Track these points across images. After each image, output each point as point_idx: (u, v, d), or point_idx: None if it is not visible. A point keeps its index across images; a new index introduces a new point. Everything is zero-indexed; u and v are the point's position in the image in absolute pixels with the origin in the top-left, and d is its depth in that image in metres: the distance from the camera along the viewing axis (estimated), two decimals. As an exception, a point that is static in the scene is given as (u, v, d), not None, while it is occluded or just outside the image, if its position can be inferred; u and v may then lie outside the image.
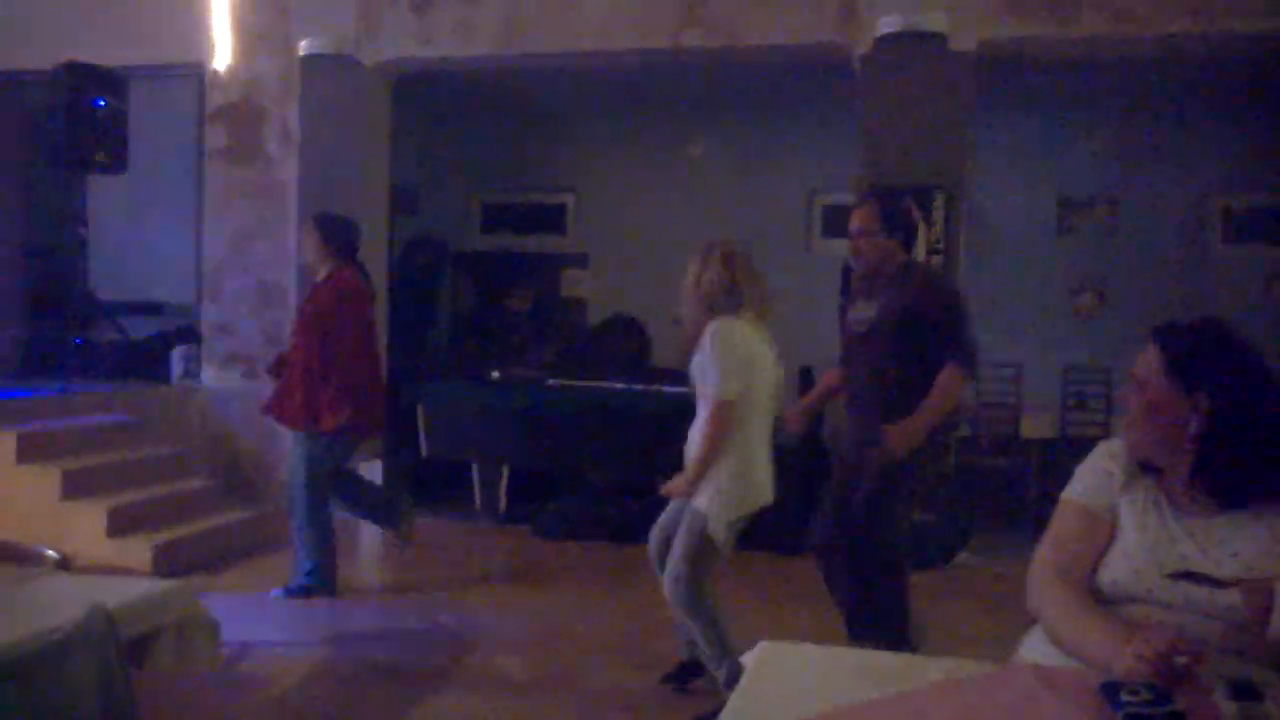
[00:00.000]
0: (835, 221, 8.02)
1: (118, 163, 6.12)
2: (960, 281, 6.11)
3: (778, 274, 8.59)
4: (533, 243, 8.93)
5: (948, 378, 3.39)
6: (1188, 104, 7.30)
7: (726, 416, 3.26)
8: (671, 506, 3.51)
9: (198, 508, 5.54)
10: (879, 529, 3.49)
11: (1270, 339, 7.58)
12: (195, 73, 6.71)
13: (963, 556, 5.70)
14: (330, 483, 4.61)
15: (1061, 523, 1.92)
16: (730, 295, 3.36)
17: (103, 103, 5.95)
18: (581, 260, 8.89)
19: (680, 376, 7.25)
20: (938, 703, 1.45)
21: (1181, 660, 1.45)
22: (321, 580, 4.59)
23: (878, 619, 3.52)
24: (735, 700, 1.49)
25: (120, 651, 1.56)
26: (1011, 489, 6.84)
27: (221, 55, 6.52)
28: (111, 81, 6.08)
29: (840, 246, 6.24)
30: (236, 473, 6.47)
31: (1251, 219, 7.78)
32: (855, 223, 3.71)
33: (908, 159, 5.74)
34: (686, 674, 3.55)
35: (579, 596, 4.90)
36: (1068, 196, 7.97)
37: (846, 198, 6.08)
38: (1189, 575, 1.69)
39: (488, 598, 4.86)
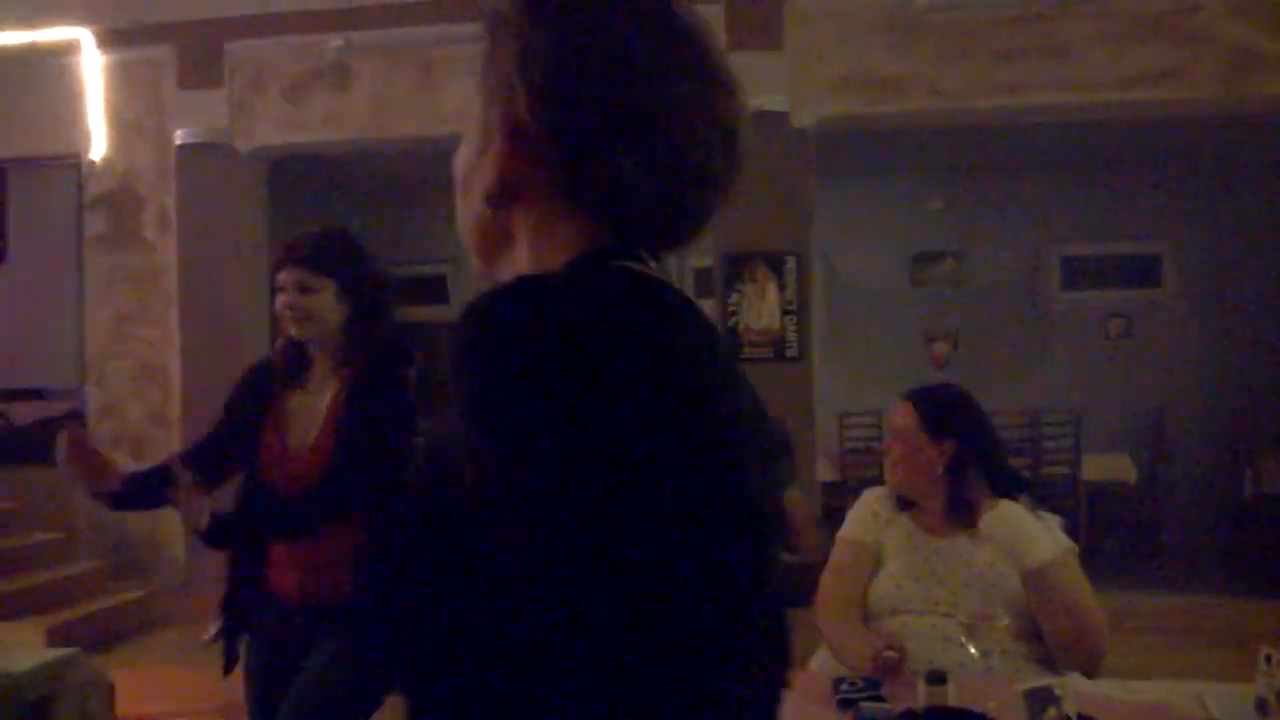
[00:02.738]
0: (706, 283, 8.46)
1: (-4, 253, 6.20)
2: (816, 336, 6.59)
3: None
4: (414, 313, 9.15)
5: None
6: (1017, 164, 7.99)
7: None
8: None
9: (87, 589, 5.60)
10: None
11: (1104, 374, 8.21)
12: (73, 163, 6.83)
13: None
14: None
15: (837, 556, 2.32)
16: None
17: (-21, 196, 6.04)
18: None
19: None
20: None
21: (890, 654, 1.81)
22: None
23: None
24: None
25: (23, 711, 1.77)
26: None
27: (98, 146, 6.67)
28: (-12, 175, 6.18)
29: (710, 306, 6.67)
30: (125, 553, 6.49)
31: (1085, 266, 8.49)
32: None
33: (758, 227, 6.19)
34: None
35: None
36: (919, 252, 8.58)
37: (710, 260, 6.53)
38: None
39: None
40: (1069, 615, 2.00)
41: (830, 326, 7.74)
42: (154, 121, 6.67)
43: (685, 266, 8.78)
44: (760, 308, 6.12)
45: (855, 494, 7.42)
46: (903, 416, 2.27)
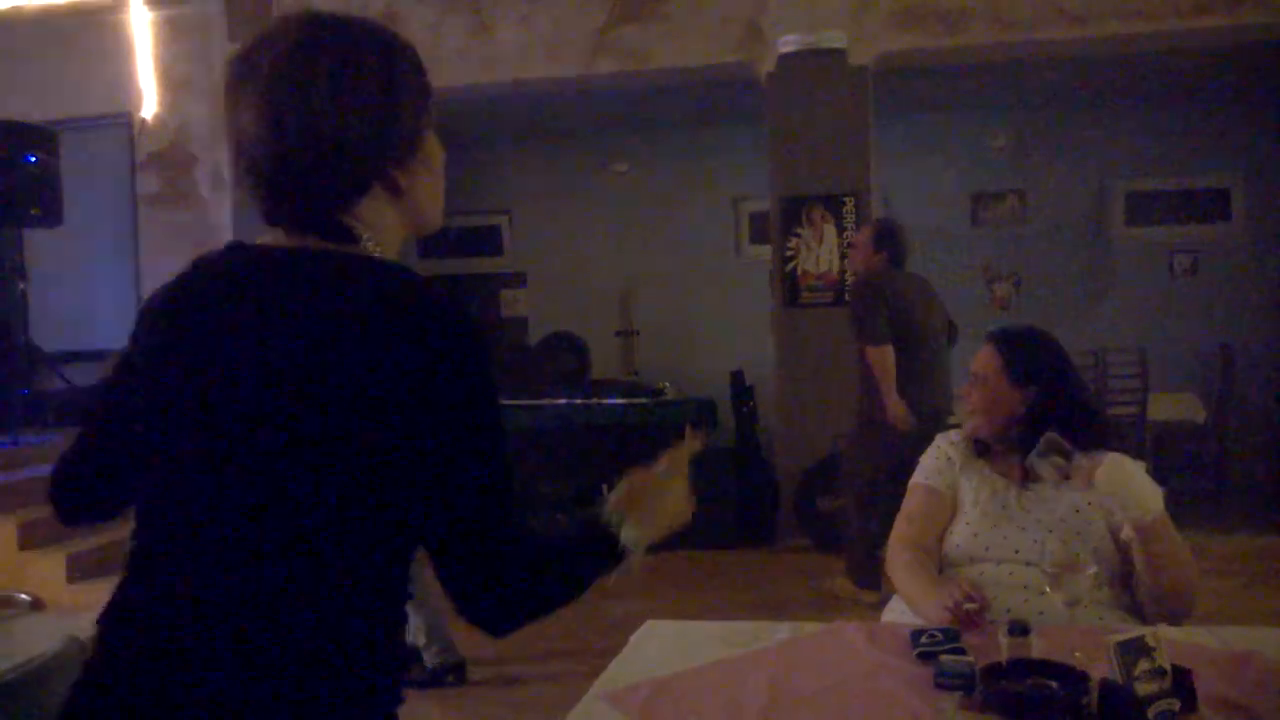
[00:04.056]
0: (762, 227, 8.35)
1: (52, 216, 6.26)
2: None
3: (710, 280, 8.93)
4: (471, 265, 9.16)
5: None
6: (1082, 97, 7.72)
7: None
8: None
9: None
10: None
11: (1170, 312, 7.98)
12: (124, 122, 6.88)
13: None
14: None
15: (911, 502, 2.25)
16: None
17: (34, 159, 6.10)
18: (520, 280, 9.13)
19: (619, 388, 7.52)
20: (773, 658, 1.73)
21: (971, 606, 1.75)
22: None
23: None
24: (612, 667, 1.76)
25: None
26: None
27: (149, 104, 6.70)
28: (42, 137, 6.23)
29: (768, 251, 6.52)
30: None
31: (1150, 201, 8.22)
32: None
33: (816, 168, 6.07)
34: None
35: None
36: (979, 190, 8.36)
37: (766, 203, 6.41)
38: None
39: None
40: (1171, 569, 1.93)
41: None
42: (205, 77, 6.67)
43: (739, 211, 8.68)
44: (818, 251, 6.01)
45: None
46: (985, 359, 2.18)
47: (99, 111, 6.84)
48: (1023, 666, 1.52)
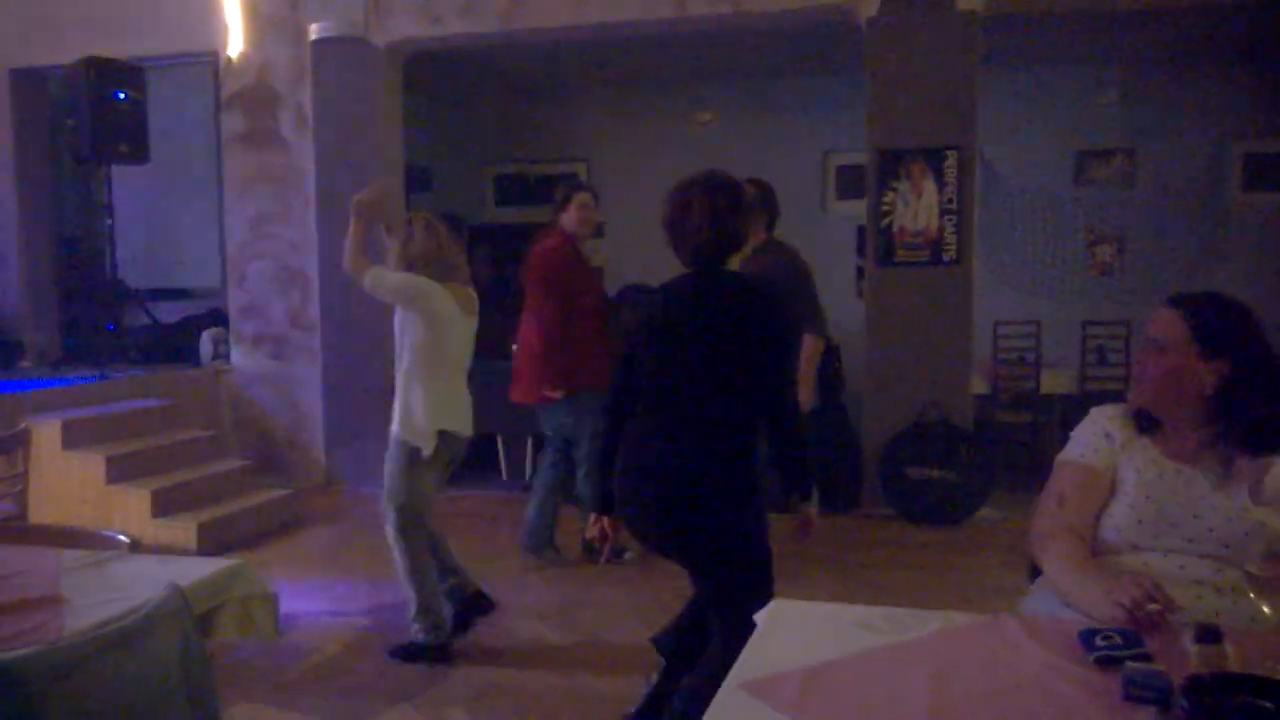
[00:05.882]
0: (851, 181, 8.05)
1: (140, 153, 6.25)
2: (976, 239, 6.15)
3: (795, 234, 8.64)
4: (547, 212, 8.98)
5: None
6: (1202, 50, 7.25)
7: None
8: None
9: (235, 487, 5.71)
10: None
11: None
12: (210, 61, 6.81)
13: (985, 511, 5.74)
14: None
15: (1063, 482, 2.02)
16: (440, 263, 3.71)
17: (123, 95, 6.07)
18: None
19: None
20: (929, 651, 1.56)
21: (1154, 607, 1.55)
22: None
23: None
24: (747, 652, 1.60)
25: (196, 625, 1.71)
26: (1033, 444, 6.86)
27: (235, 42, 6.61)
28: (131, 74, 6.20)
29: (857, 206, 6.24)
30: (267, 451, 6.63)
31: (1270, 165, 7.72)
32: None
33: (917, 119, 5.77)
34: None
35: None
36: (1084, 149, 7.94)
37: (861, 157, 6.13)
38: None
39: (520, 567, 4.99)
40: None
41: (984, 228, 7.26)
42: (290, 15, 6.56)
43: (827, 164, 8.38)
44: (917, 207, 5.73)
45: (1007, 408, 6.98)
46: (1168, 326, 1.91)
47: (185, 49, 6.78)
48: (1225, 680, 1.33)
